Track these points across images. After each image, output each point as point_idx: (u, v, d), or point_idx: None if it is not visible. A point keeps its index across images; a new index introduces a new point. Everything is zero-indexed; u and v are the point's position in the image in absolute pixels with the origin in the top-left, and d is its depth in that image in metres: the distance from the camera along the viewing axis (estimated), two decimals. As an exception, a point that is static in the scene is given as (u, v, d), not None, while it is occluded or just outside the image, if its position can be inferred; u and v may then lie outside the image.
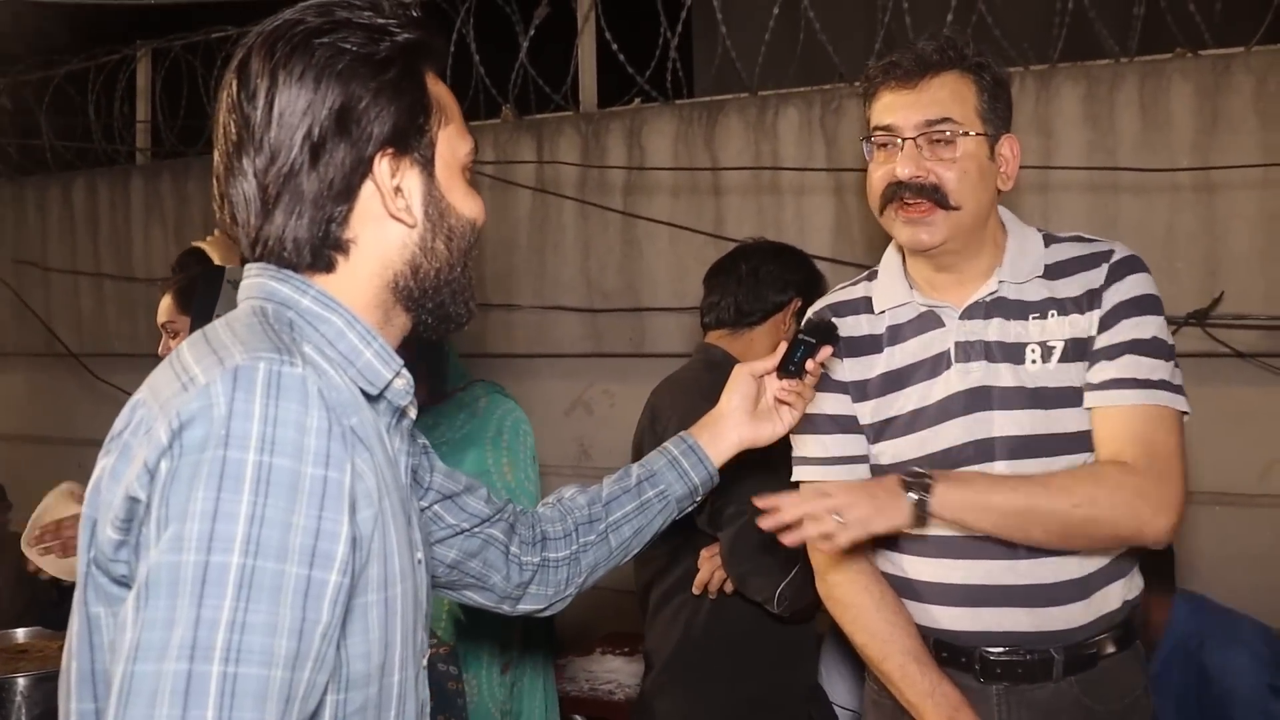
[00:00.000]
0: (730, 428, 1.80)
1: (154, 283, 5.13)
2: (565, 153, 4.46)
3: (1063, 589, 1.89)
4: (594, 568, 1.74)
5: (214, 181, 1.32)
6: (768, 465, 2.03)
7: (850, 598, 1.98)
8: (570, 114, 4.56)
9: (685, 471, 1.76)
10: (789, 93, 4.20)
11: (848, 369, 2.00)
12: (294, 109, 1.24)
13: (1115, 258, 1.92)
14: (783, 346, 1.82)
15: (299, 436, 1.09)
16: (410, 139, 1.30)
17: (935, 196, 1.85)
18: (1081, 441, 1.88)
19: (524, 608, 1.71)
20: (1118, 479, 1.79)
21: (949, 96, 1.87)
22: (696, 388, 2.51)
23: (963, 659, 1.93)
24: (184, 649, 1.01)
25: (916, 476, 1.77)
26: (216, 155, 1.31)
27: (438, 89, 1.34)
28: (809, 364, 1.79)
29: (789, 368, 1.79)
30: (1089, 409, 1.88)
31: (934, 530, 1.88)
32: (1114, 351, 1.87)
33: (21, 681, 2.50)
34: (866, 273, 2.10)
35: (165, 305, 3.00)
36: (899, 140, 1.86)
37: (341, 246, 1.29)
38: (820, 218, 4.08)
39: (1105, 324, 1.89)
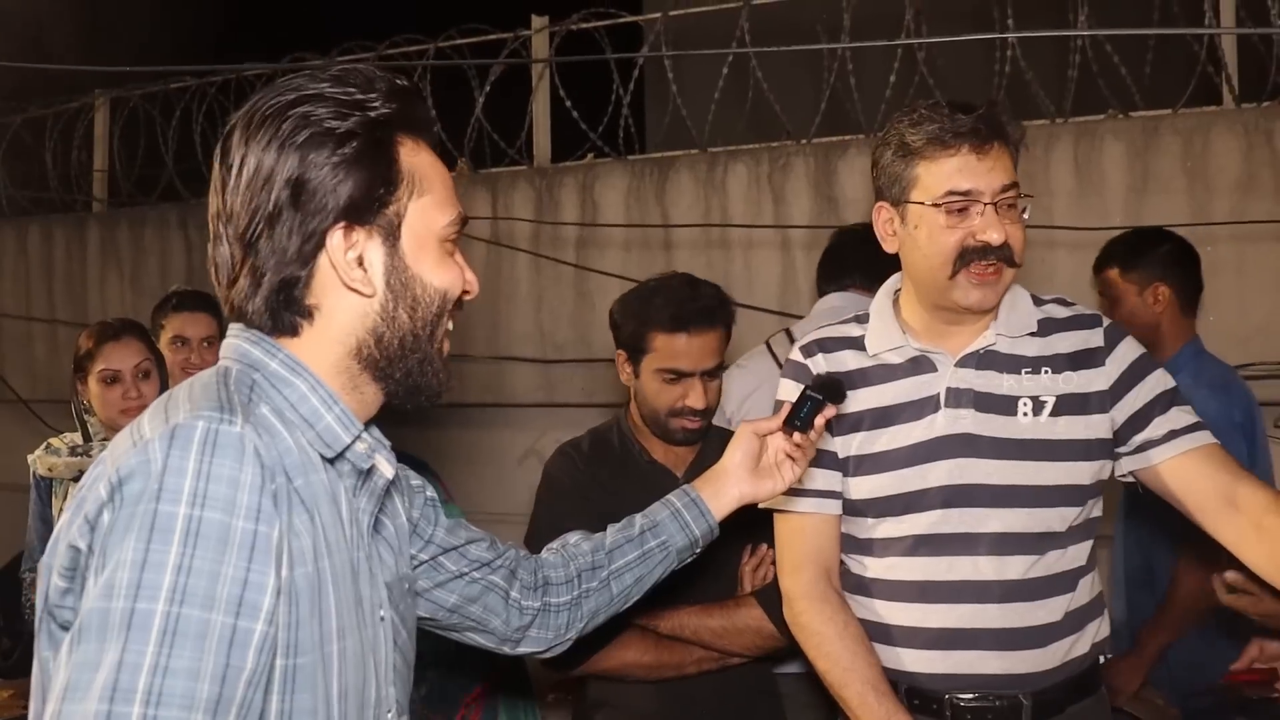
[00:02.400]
0: (732, 484, 1.82)
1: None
2: (520, 206, 4.55)
3: (1033, 634, 1.95)
4: (595, 613, 1.78)
5: (209, 245, 1.37)
6: None
7: (815, 625, 2.02)
8: (524, 168, 4.65)
9: (687, 524, 1.80)
10: (738, 149, 4.31)
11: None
12: (256, 178, 1.28)
13: (1106, 322, 2.02)
14: (786, 405, 1.84)
15: (231, 492, 1.14)
16: (367, 212, 1.31)
17: (1007, 257, 1.92)
18: (1063, 495, 1.94)
19: (524, 649, 1.75)
20: None
21: (1010, 162, 1.93)
22: None
23: (934, 705, 1.97)
24: (106, 690, 1.06)
25: None
26: (209, 221, 1.36)
27: (416, 160, 1.35)
28: (816, 420, 1.81)
29: (795, 423, 1.80)
30: (1157, 463, 1.95)
31: (909, 575, 1.95)
32: (1154, 407, 1.95)
33: None
34: (854, 316, 2.14)
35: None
36: (981, 205, 1.90)
37: (304, 312, 1.32)
38: (768, 271, 4.18)
39: (1124, 384, 1.96)
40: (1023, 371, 1.97)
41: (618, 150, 4.48)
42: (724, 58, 4.19)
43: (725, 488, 1.83)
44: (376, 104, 1.31)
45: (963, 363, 1.98)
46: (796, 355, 2.10)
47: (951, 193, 1.90)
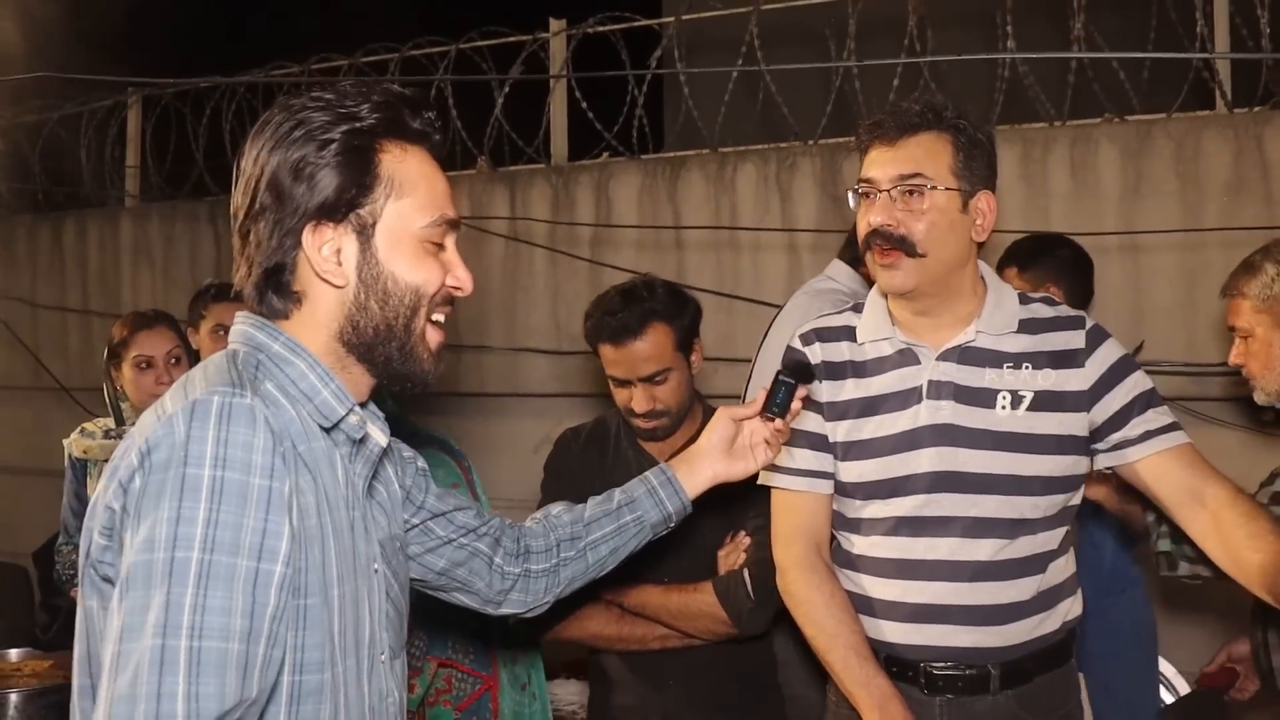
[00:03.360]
0: (707, 464, 1.94)
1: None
2: (536, 203, 4.71)
3: (1002, 611, 2.08)
4: (572, 580, 1.92)
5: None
6: None
7: (804, 594, 2.17)
8: (542, 166, 4.81)
9: (661, 500, 1.93)
10: (747, 150, 4.46)
11: (826, 390, 2.18)
12: (250, 178, 1.46)
13: (1089, 324, 2.12)
14: (762, 392, 1.96)
15: (246, 455, 1.30)
16: (339, 210, 1.45)
17: (904, 245, 2.03)
18: (1037, 485, 2.06)
19: (505, 610, 1.90)
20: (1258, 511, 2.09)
21: (924, 154, 2.02)
22: None
23: (910, 673, 2.12)
24: (158, 627, 1.23)
25: None
26: None
27: (399, 165, 1.48)
28: (792, 404, 1.94)
29: (774, 408, 1.93)
30: (1133, 461, 2.09)
31: (890, 553, 2.11)
32: (1132, 409, 2.08)
33: (14, 697, 2.69)
34: (852, 304, 2.26)
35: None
36: (876, 192, 2.05)
37: (292, 298, 1.48)
38: (775, 270, 4.33)
39: (1102, 386, 2.07)
40: (1004, 366, 2.09)
41: (632, 150, 4.63)
42: (735, 60, 4.33)
43: (700, 468, 1.96)
44: (364, 114, 1.46)
45: (944, 356, 2.10)
46: (795, 342, 2.23)
47: (860, 180, 2.08)
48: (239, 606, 1.27)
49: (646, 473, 1.98)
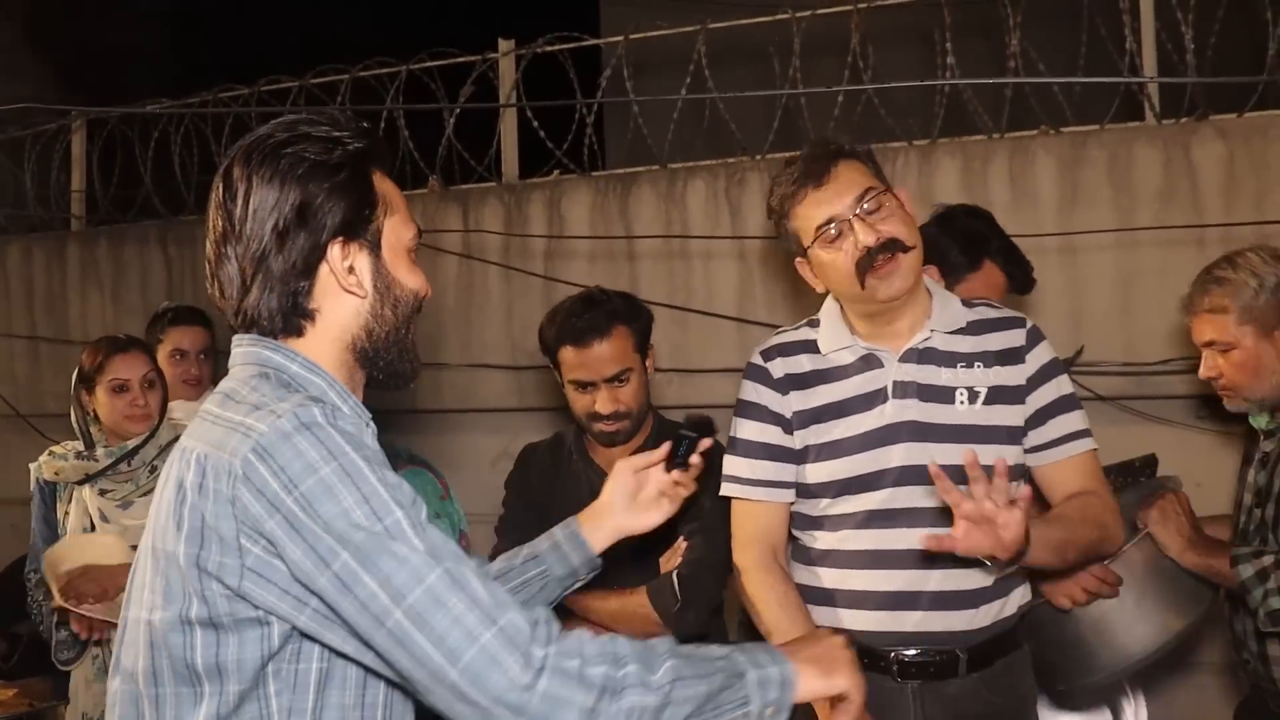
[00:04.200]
0: (609, 518, 2.06)
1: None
2: (489, 220, 4.77)
3: (968, 597, 2.23)
4: None
5: (206, 265, 1.66)
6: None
7: (760, 594, 2.28)
8: (493, 185, 4.87)
9: (565, 555, 2.02)
10: (696, 165, 4.56)
11: (792, 401, 2.31)
12: (265, 205, 1.57)
13: (1029, 324, 2.32)
14: (666, 446, 2.07)
15: (341, 440, 1.44)
16: (358, 228, 1.60)
17: (898, 246, 2.20)
18: (992, 474, 2.22)
19: None
20: (1109, 505, 2.30)
21: (857, 175, 2.22)
22: None
23: (881, 662, 2.23)
24: (422, 571, 1.39)
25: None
26: (208, 244, 1.64)
27: (384, 185, 1.65)
28: (693, 458, 2.07)
29: (676, 461, 2.06)
30: (1039, 465, 2.30)
31: (861, 545, 2.24)
32: (1052, 410, 2.28)
33: None
34: (806, 321, 2.42)
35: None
36: (846, 222, 2.18)
37: (308, 315, 1.60)
38: (726, 281, 4.43)
39: (1035, 382, 2.28)
40: (958, 365, 2.27)
41: (582, 167, 4.71)
42: (683, 79, 4.43)
43: (604, 522, 2.07)
44: (351, 140, 1.61)
45: (905, 358, 2.26)
46: (757, 359, 2.37)
47: (819, 227, 2.20)
48: (427, 543, 1.43)
49: (554, 528, 2.07)
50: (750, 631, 2.38)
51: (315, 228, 1.57)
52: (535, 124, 4.63)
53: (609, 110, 5.10)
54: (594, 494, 2.65)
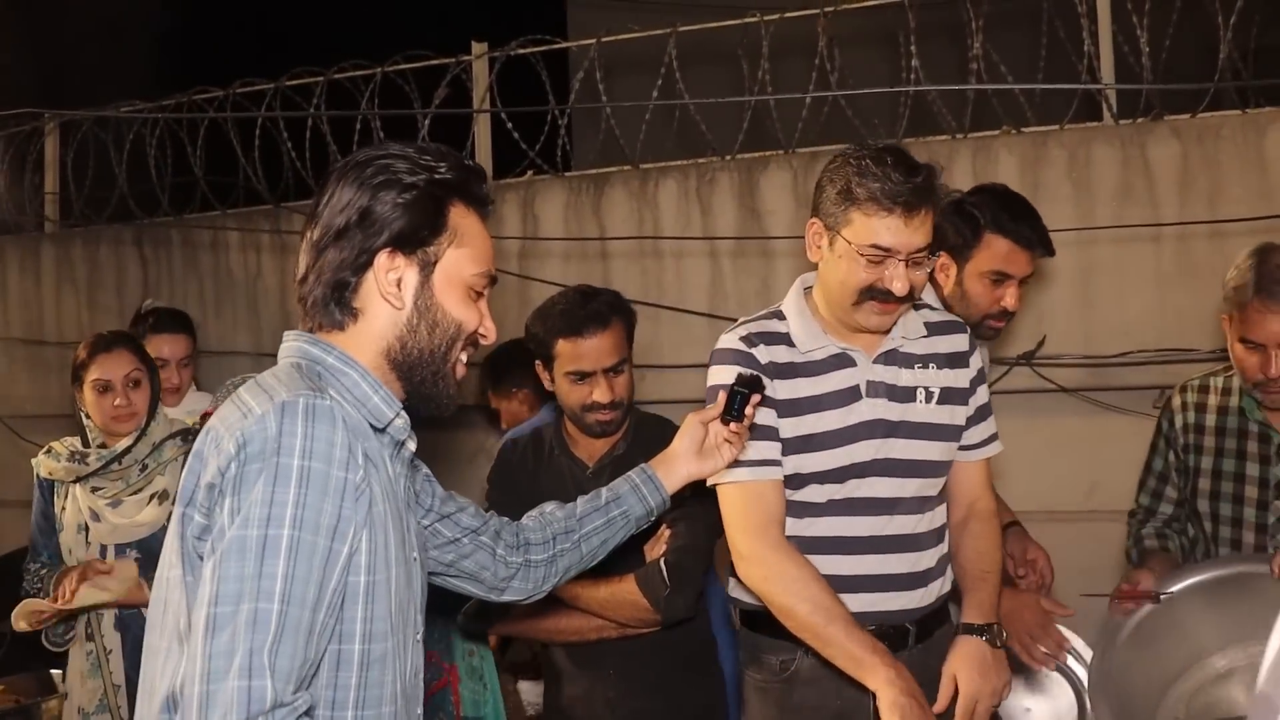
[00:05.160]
0: (681, 464, 2.19)
1: (67, 346, 5.31)
2: (464, 220, 4.84)
3: (920, 577, 2.40)
4: (568, 569, 2.15)
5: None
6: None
7: (794, 573, 2.29)
8: (468, 184, 4.93)
9: (644, 496, 2.17)
10: (668, 165, 4.65)
11: (778, 388, 2.36)
12: (338, 203, 1.70)
13: (966, 328, 2.50)
14: (723, 398, 2.17)
15: (329, 449, 1.52)
16: (411, 244, 1.69)
17: (908, 300, 2.31)
18: (941, 467, 2.42)
19: (507, 597, 2.12)
20: (995, 519, 2.54)
21: (927, 228, 2.24)
22: None
23: None
24: (252, 593, 1.44)
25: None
26: None
27: (464, 221, 1.74)
28: (746, 410, 2.17)
29: (732, 413, 2.16)
30: (961, 460, 2.46)
31: (828, 532, 2.35)
32: (983, 413, 2.47)
33: None
34: (772, 311, 2.46)
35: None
36: (890, 258, 2.23)
37: (351, 312, 1.71)
38: (697, 278, 4.52)
39: (974, 384, 2.45)
40: (915, 366, 2.41)
41: (555, 167, 4.79)
42: (654, 80, 4.52)
43: (676, 467, 2.20)
44: (443, 171, 1.72)
45: (877, 360, 2.38)
46: (738, 344, 2.39)
47: (875, 246, 2.23)
48: (314, 578, 1.48)
49: (629, 472, 2.20)
50: (755, 620, 2.44)
51: (372, 233, 1.68)
52: (509, 125, 4.70)
53: (581, 111, 5.17)
54: (577, 486, 2.78)
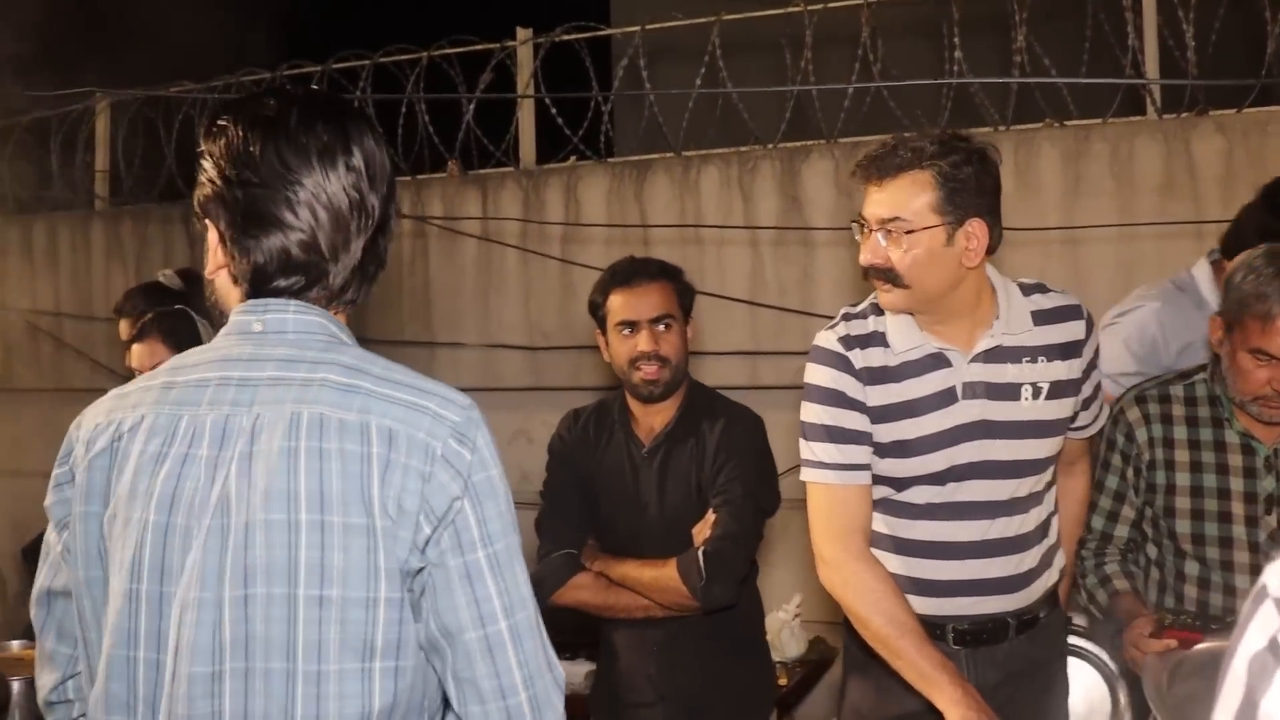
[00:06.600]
0: None
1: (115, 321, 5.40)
2: (507, 205, 4.91)
3: (1023, 579, 2.33)
4: None
5: None
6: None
7: (871, 584, 2.25)
8: (512, 170, 5.00)
9: None
10: (710, 153, 4.69)
11: (870, 394, 2.29)
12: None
13: (1085, 313, 2.32)
14: None
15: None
16: None
17: (891, 278, 2.17)
18: (1046, 464, 2.32)
19: None
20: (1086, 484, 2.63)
21: (905, 196, 2.13)
22: None
23: (937, 631, 2.31)
24: (528, 597, 1.46)
25: None
26: None
27: None
28: None
29: None
30: (1074, 438, 2.43)
31: (927, 536, 2.30)
32: (1093, 398, 2.39)
33: (18, 685, 2.80)
34: (864, 307, 2.34)
35: (150, 350, 3.28)
36: (866, 230, 2.20)
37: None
38: (738, 266, 4.56)
39: (1087, 371, 2.33)
40: (1023, 360, 2.27)
41: (598, 153, 4.84)
42: (697, 68, 4.56)
43: None
44: None
45: (974, 359, 2.27)
46: (836, 347, 2.31)
47: (858, 217, 2.24)
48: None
49: None
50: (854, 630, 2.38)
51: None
52: (553, 111, 4.75)
53: (624, 98, 5.21)
54: (633, 466, 2.86)
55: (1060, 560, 2.46)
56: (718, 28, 4.54)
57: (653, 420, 2.90)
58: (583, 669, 3.64)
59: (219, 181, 1.50)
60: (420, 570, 1.41)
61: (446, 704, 1.49)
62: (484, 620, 1.42)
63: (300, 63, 5.32)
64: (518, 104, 5.05)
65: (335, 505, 1.40)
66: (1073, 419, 2.37)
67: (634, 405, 2.92)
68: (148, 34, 5.66)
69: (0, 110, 5.92)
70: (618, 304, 2.84)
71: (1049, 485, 2.37)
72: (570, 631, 3.07)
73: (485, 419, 1.47)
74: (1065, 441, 2.38)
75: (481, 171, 5.09)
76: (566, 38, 4.88)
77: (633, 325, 2.81)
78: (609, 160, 4.88)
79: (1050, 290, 2.35)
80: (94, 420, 1.51)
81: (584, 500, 2.91)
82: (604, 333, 2.90)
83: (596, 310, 2.91)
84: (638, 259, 2.98)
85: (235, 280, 1.53)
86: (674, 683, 2.84)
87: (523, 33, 5.05)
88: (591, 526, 2.92)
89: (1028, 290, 2.33)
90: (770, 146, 4.60)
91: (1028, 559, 2.33)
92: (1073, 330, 2.30)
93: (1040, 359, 2.27)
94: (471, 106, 4.89)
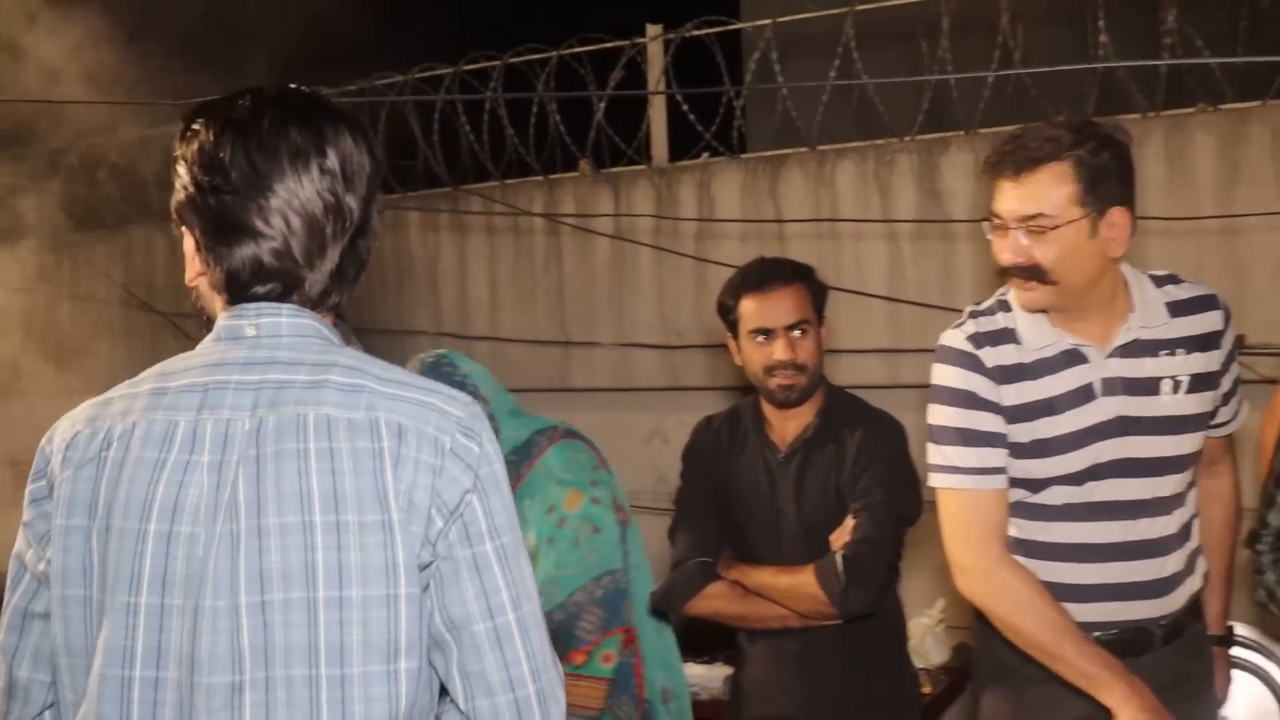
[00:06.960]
0: None
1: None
2: (640, 203, 4.90)
3: (1168, 583, 2.25)
4: None
5: None
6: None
7: (1021, 589, 2.20)
8: (644, 168, 4.99)
9: None
10: (845, 147, 4.61)
11: (1005, 394, 2.24)
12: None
13: (1221, 303, 2.25)
14: None
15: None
16: None
17: (1038, 275, 2.11)
18: (1188, 461, 2.23)
19: None
20: (1234, 485, 2.48)
21: (1045, 191, 2.08)
22: None
23: None
24: (533, 590, 1.47)
25: None
26: None
27: None
28: None
29: None
30: (1214, 435, 2.32)
31: (1066, 538, 2.23)
32: (1232, 392, 2.30)
33: None
34: (998, 299, 2.29)
35: None
36: (1006, 227, 2.15)
37: None
38: (876, 262, 4.48)
39: (1226, 364, 2.25)
40: (1160, 354, 2.20)
41: (730, 149, 4.80)
42: (830, 61, 4.48)
43: None
44: None
45: (1111, 354, 2.20)
46: (965, 345, 2.27)
47: (993, 212, 2.17)
48: None
49: None
50: (998, 637, 2.31)
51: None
52: (685, 107, 4.73)
53: (756, 93, 5.17)
54: (769, 471, 2.80)
55: (1202, 566, 2.36)
56: (851, 18, 4.46)
57: (788, 425, 2.84)
58: (720, 673, 3.62)
59: (191, 188, 1.45)
60: (428, 565, 1.41)
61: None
62: (493, 611, 1.42)
63: (432, 65, 5.39)
64: (649, 101, 5.04)
65: (350, 504, 1.38)
66: (1213, 415, 2.28)
67: (768, 410, 2.87)
68: (278, 37, 5.80)
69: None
70: (750, 310, 2.76)
71: (1190, 485, 2.29)
72: (706, 635, 3.05)
73: (485, 414, 1.49)
74: (1205, 440, 2.29)
75: (614, 170, 5.10)
76: (697, 33, 4.85)
77: (768, 333, 2.76)
78: (742, 156, 4.84)
79: (1183, 281, 2.28)
80: (70, 430, 1.46)
81: (719, 508, 2.86)
82: (735, 336, 2.84)
83: (727, 314, 2.83)
84: (769, 260, 2.87)
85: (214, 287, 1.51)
86: (812, 696, 2.79)
87: (652, 29, 5.03)
88: (726, 534, 2.88)
89: (1160, 282, 2.26)
90: (907, 139, 4.51)
91: (1170, 562, 2.25)
92: (1210, 321, 2.22)
93: (1179, 351, 2.20)
94: (602, 105, 4.90)
